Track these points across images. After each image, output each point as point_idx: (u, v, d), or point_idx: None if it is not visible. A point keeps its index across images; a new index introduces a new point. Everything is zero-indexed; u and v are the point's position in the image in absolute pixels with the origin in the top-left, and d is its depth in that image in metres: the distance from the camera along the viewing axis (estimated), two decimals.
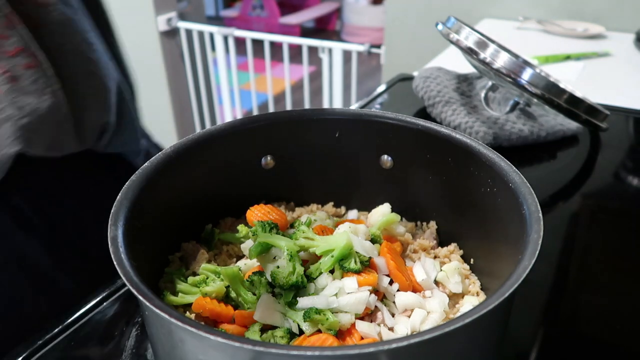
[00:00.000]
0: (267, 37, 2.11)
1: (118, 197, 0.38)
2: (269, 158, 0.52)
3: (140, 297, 0.30)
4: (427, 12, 1.67)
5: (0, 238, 0.60)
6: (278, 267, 0.41)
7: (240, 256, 0.48)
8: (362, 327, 0.39)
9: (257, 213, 0.49)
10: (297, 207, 0.55)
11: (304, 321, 0.37)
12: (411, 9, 1.71)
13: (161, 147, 0.84)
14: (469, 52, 0.71)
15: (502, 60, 0.68)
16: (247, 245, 0.46)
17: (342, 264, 0.41)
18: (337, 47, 1.97)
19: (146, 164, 0.42)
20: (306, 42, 2.05)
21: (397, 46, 1.79)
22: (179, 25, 2.18)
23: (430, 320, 0.41)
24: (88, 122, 0.64)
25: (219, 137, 0.48)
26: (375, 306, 0.41)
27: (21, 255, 0.61)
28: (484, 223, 0.45)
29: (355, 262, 0.41)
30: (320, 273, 0.41)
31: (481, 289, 0.45)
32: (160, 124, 2.34)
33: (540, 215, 0.36)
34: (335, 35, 4.70)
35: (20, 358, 0.44)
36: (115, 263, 0.33)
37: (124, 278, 0.31)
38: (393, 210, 0.52)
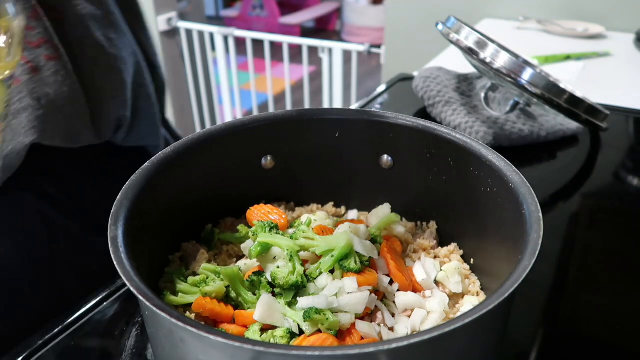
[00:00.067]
0: (267, 37, 2.11)
1: (118, 197, 0.38)
2: (269, 158, 0.52)
3: (141, 297, 0.30)
4: (427, 12, 1.67)
5: (28, 215, 0.61)
6: (278, 267, 0.41)
7: (240, 256, 0.48)
8: (362, 327, 0.38)
9: (257, 213, 0.49)
10: (297, 207, 0.55)
11: (304, 321, 0.37)
12: (411, 9, 1.71)
13: (180, 137, 0.85)
14: (469, 52, 0.71)
15: (502, 60, 0.68)
16: (247, 245, 0.46)
17: (342, 264, 0.41)
18: (337, 47, 1.98)
19: (146, 164, 0.42)
20: (306, 42, 2.05)
21: (397, 46, 1.79)
22: (179, 25, 2.18)
23: (430, 320, 0.41)
24: (105, 115, 0.65)
25: (219, 137, 0.48)
26: (375, 306, 0.41)
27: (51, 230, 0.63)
28: (484, 223, 0.45)
29: (355, 262, 0.41)
30: (320, 273, 0.41)
31: (481, 289, 0.45)
32: None
33: (540, 215, 0.36)
34: (335, 35, 4.70)
35: (20, 358, 0.44)
36: (115, 263, 0.33)
37: (124, 278, 0.31)
38: (393, 210, 0.52)
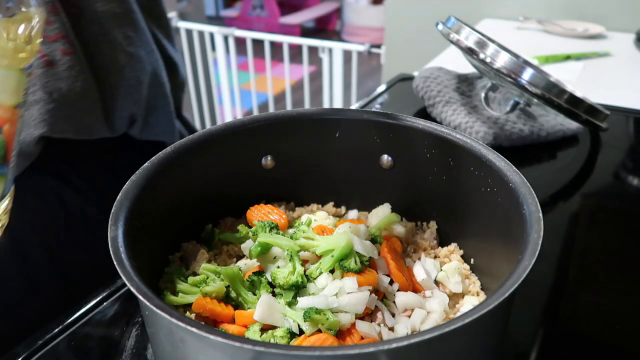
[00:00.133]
0: (267, 37, 2.11)
1: (118, 197, 0.38)
2: (269, 158, 0.52)
3: (141, 297, 0.30)
4: (427, 12, 1.67)
5: (49, 199, 0.63)
6: (278, 267, 0.41)
7: (240, 256, 0.48)
8: (362, 327, 0.38)
9: (257, 213, 0.50)
10: (297, 207, 0.55)
11: (304, 321, 0.37)
12: (411, 9, 1.71)
13: (194, 129, 0.85)
14: (469, 52, 0.71)
15: (502, 60, 0.68)
16: (247, 245, 0.46)
17: (342, 264, 0.41)
18: (337, 47, 1.97)
19: (146, 163, 0.42)
20: (306, 42, 2.05)
21: (397, 46, 1.79)
22: (179, 25, 2.18)
23: (430, 320, 0.41)
24: (118, 111, 0.65)
25: (219, 137, 0.48)
26: (375, 306, 0.41)
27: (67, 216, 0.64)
28: (484, 223, 0.45)
29: (355, 262, 0.41)
30: (320, 273, 0.41)
31: (481, 289, 0.45)
32: None
33: (540, 215, 0.36)
34: (336, 35, 4.70)
35: (20, 358, 0.44)
36: (115, 263, 0.33)
37: (124, 278, 0.31)
38: (393, 210, 0.52)
